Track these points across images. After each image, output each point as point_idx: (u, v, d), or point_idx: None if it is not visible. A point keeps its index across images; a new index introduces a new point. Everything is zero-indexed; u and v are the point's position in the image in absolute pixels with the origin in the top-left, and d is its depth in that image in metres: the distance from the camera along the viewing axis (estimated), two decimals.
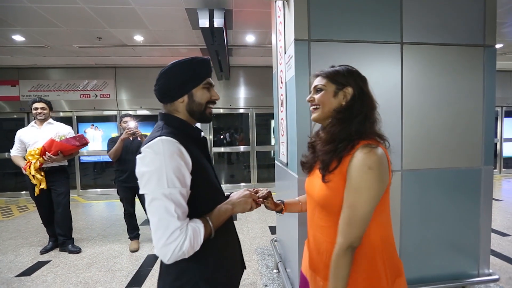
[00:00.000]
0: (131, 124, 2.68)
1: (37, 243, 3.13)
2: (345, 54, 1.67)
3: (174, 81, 0.81)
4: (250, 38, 3.99)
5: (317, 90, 0.85)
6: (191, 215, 0.74)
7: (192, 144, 0.80)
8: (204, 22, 2.67)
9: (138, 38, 3.89)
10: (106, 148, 2.80)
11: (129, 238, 2.93)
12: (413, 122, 1.74)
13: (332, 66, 0.88)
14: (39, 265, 2.61)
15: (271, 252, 2.73)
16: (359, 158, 0.71)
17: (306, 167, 0.95)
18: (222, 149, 6.04)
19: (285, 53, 1.93)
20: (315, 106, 0.86)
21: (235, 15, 3.18)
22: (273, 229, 3.43)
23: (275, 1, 2.10)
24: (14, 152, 2.80)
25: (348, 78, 0.82)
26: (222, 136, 6.14)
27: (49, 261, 2.68)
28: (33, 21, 3.21)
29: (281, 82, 2.11)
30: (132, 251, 2.81)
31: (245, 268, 0.99)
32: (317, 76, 0.88)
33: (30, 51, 4.34)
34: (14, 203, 5.15)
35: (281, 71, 2.09)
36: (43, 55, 4.57)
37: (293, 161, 1.80)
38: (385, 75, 1.71)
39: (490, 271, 1.92)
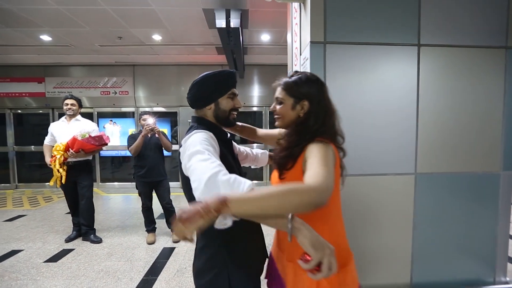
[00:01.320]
0: (150, 121, 2.79)
1: (62, 232, 3.34)
2: (361, 57, 1.67)
3: (203, 91, 0.93)
4: (265, 37, 4.02)
5: (278, 101, 0.92)
6: None
7: (220, 143, 0.89)
8: (221, 23, 2.73)
9: (157, 37, 4.01)
10: (123, 143, 2.94)
11: (146, 231, 3.07)
12: (429, 124, 1.72)
13: (295, 72, 0.94)
14: (64, 252, 2.79)
15: None
16: (311, 146, 0.77)
17: (274, 162, 1.00)
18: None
19: (300, 54, 1.95)
20: (277, 116, 0.94)
21: (251, 15, 3.21)
22: None
23: (292, 3, 2.12)
24: (46, 142, 3.03)
25: (305, 91, 0.87)
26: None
27: (73, 249, 2.86)
28: (59, 21, 3.38)
29: None
30: (149, 243, 2.95)
31: (267, 257, 1.05)
32: (277, 86, 0.94)
33: (56, 50, 4.57)
34: (40, 193, 5.47)
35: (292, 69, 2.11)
36: (67, 54, 4.80)
37: None
38: (401, 77, 1.70)
39: (507, 278, 1.88)
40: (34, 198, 5.13)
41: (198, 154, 0.75)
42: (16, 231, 3.43)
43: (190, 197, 0.85)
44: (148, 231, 3.05)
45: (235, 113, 1.01)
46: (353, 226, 1.69)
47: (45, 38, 3.97)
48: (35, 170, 6.01)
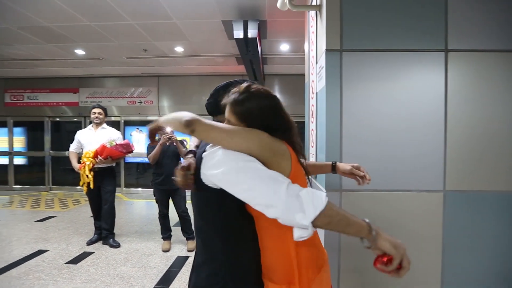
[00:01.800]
0: (167, 129, 2.86)
1: (85, 234, 3.48)
2: (380, 65, 1.57)
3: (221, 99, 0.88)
4: (284, 47, 4.01)
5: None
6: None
7: None
8: (238, 33, 2.76)
9: (179, 49, 4.16)
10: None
11: (162, 238, 3.10)
12: (459, 137, 1.56)
13: (247, 88, 0.81)
14: (84, 255, 2.89)
15: None
16: None
17: None
18: None
19: (316, 63, 1.89)
20: None
21: (269, 25, 3.22)
22: None
23: (308, 11, 2.08)
24: (72, 149, 3.21)
25: (254, 119, 0.78)
26: None
27: (93, 252, 2.96)
28: (91, 37, 3.64)
29: (312, 92, 2.07)
30: (164, 251, 2.97)
31: None
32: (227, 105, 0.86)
33: (88, 63, 4.92)
34: (70, 196, 5.81)
35: (313, 81, 2.05)
36: (98, 66, 5.15)
37: (322, 174, 1.74)
38: (426, 86, 1.58)
39: None
40: (64, 200, 5.46)
41: (248, 168, 0.68)
42: (45, 231, 3.64)
43: (207, 215, 0.81)
44: (164, 238, 3.08)
45: None
46: None
47: (79, 52, 4.30)
48: (67, 174, 6.43)
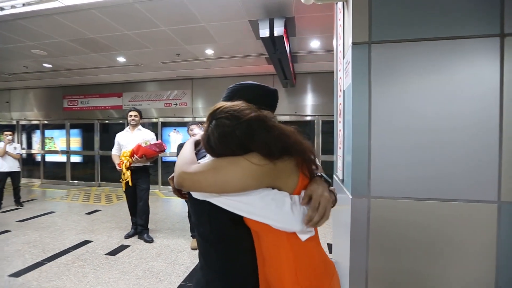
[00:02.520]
0: (196, 131, 2.92)
1: (124, 228, 3.75)
2: (416, 57, 1.38)
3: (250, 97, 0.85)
4: (315, 44, 3.84)
5: None
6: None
7: None
8: (264, 32, 2.71)
9: (209, 51, 4.26)
10: None
11: (191, 236, 3.19)
12: None
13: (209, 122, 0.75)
14: (122, 247, 3.11)
15: None
16: None
17: None
18: None
19: (343, 58, 1.75)
20: None
21: (297, 22, 3.11)
22: (331, 248, 3.16)
23: (336, 3, 1.94)
24: (113, 151, 3.46)
25: (232, 151, 0.71)
26: None
27: (129, 246, 3.17)
28: (129, 44, 3.92)
29: (340, 90, 1.92)
30: (192, 249, 3.05)
31: None
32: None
33: (129, 69, 5.31)
34: (115, 192, 6.34)
35: (340, 78, 1.91)
36: (138, 72, 5.52)
37: (349, 178, 1.60)
38: (475, 78, 1.34)
39: None
40: (109, 195, 5.98)
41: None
42: (91, 223, 4.01)
43: (201, 225, 0.78)
44: (192, 236, 3.17)
45: None
46: (414, 259, 1.38)
47: (121, 59, 4.66)
48: (114, 172, 7.03)
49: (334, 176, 2.33)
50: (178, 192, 0.85)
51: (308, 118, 5.82)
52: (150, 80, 6.37)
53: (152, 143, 3.21)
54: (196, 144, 0.88)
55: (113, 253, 2.97)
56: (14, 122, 7.73)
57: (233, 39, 3.71)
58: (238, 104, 0.73)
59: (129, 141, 3.30)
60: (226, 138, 0.69)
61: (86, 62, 4.86)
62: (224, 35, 3.57)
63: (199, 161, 0.76)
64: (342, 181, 1.84)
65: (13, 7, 2.91)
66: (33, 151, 7.70)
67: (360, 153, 1.45)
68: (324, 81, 5.43)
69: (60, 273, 2.53)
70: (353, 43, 1.46)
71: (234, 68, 5.21)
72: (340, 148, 2.01)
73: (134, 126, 3.38)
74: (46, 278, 2.45)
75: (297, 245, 0.74)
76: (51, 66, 5.09)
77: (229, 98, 0.84)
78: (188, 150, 0.81)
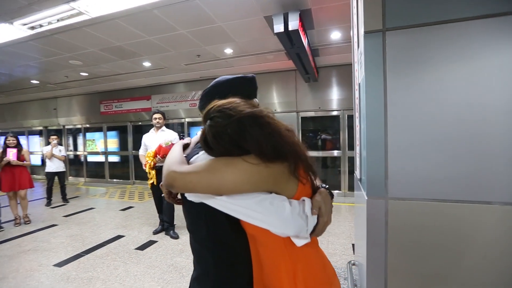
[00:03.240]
0: None
1: (153, 224, 3.96)
2: (440, 41, 1.23)
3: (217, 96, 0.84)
4: (335, 35, 3.67)
5: None
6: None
7: None
8: (279, 28, 2.64)
9: (228, 51, 4.29)
10: None
11: None
12: None
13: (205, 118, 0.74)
14: (150, 243, 3.29)
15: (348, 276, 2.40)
16: None
17: None
18: (311, 153, 5.81)
19: (357, 48, 1.63)
20: None
21: (314, 14, 2.98)
22: (355, 248, 3.02)
23: None
24: (140, 152, 3.66)
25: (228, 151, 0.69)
26: (310, 139, 5.95)
27: (157, 241, 3.34)
28: (152, 49, 4.10)
29: (356, 83, 1.80)
30: None
31: None
32: None
33: (155, 73, 5.57)
34: (147, 189, 6.73)
35: (356, 70, 1.79)
36: (163, 75, 5.77)
37: (365, 177, 1.50)
38: (509, 62, 1.16)
39: None
40: (142, 193, 6.36)
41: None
42: (125, 219, 4.30)
43: (197, 230, 0.78)
44: None
45: None
46: (439, 266, 1.26)
47: (146, 64, 4.90)
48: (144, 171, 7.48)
49: (354, 174, 2.21)
50: (172, 198, 0.83)
51: (334, 113, 5.60)
52: (176, 82, 6.61)
53: (174, 143, 3.34)
54: (184, 147, 0.87)
55: (142, 248, 3.15)
56: (61, 127, 8.57)
57: (250, 36, 3.69)
58: (233, 101, 0.71)
59: (153, 141, 3.46)
60: (220, 137, 0.67)
61: (116, 69, 5.20)
62: (241, 34, 3.56)
63: (189, 162, 0.76)
64: (360, 180, 1.73)
65: (49, 23, 3.19)
66: (78, 153, 8.47)
67: (376, 150, 1.34)
68: (349, 74, 5.14)
69: (95, 265, 2.75)
70: (366, 32, 1.35)
71: (255, 65, 5.19)
72: (358, 145, 1.89)
73: (158, 127, 3.54)
74: (83, 269, 2.68)
75: (296, 252, 0.72)
76: (87, 74, 5.54)
77: (207, 100, 0.81)
78: (177, 150, 0.80)
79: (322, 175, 6.01)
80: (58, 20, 3.13)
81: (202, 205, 0.69)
